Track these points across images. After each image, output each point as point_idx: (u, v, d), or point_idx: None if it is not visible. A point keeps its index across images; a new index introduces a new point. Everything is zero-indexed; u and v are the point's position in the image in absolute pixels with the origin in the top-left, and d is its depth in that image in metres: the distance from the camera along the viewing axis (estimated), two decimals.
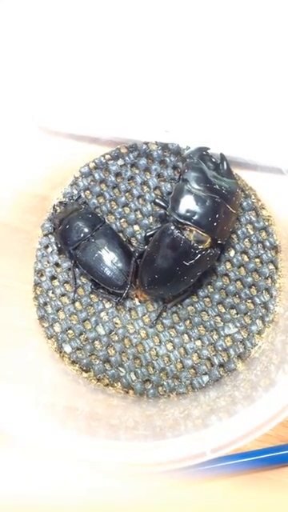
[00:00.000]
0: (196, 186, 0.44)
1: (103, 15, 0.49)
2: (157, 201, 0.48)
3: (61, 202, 0.53)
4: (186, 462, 0.35)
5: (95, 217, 0.50)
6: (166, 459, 0.35)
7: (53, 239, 0.52)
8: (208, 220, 0.43)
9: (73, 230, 0.49)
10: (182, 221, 0.44)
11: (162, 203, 0.48)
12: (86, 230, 0.49)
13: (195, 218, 0.43)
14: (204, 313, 0.49)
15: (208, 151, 0.47)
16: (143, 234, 0.50)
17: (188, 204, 0.43)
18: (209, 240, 0.44)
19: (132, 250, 0.50)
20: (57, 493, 0.33)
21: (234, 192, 0.45)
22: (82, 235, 0.49)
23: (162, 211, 0.50)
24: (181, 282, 0.46)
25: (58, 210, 0.52)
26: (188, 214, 0.43)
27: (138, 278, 0.48)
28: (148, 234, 0.48)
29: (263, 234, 0.50)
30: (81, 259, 0.48)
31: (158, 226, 0.50)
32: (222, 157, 0.47)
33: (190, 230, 0.44)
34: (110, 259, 0.48)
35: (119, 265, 0.48)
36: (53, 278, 0.51)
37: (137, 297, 0.49)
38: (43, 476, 0.33)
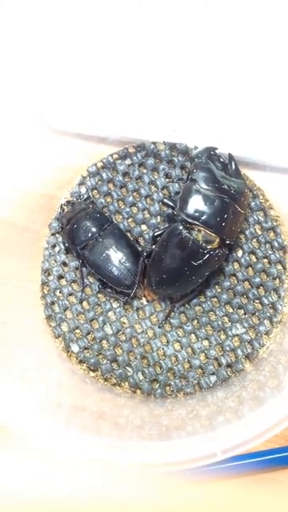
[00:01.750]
0: (204, 186, 0.43)
1: (110, 16, 0.49)
2: (165, 200, 0.48)
3: (68, 202, 0.53)
4: (193, 464, 0.34)
5: (103, 216, 0.50)
6: (174, 459, 0.35)
7: (60, 238, 0.52)
8: (216, 220, 0.43)
9: (80, 229, 0.49)
10: (190, 221, 0.43)
11: (170, 203, 0.48)
12: (94, 229, 0.49)
13: (204, 217, 0.43)
14: (212, 313, 0.49)
15: (216, 151, 0.47)
16: (151, 234, 0.50)
17: (196, 204, 0.43)
18: (217, 240, 0.44)
19: (140, 249, 0.50)
20: (61, 491, 0.33)
21: (242, 192, 0.45)
22: (90, 235, 0.49)
23: (170, 211, 0.50)
24: (189, 281, 0.46)
25: (66, 210, 0.52)
26: (196, 214, 0.43)
27: (146, 278, 0.48)
28: (156, 233, 0.48)
29: (271, 234, 0.50)
30: (88, 259, 0.48)
31: (166, 225, 0.50)
32: (231, 157, 0.47)
33: (199, 230, 0.44)
34: (117, 259, 0.48)
35: (127, 264, 0.48)
36: (60, 277, 0.51)
37: (144, 296, 0.49)
38: (48, 474, 0.33)
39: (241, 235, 0.50)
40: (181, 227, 0.44)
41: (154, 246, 0.48)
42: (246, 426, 0.35)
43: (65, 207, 0.52)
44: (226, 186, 0.44)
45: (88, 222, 0.49)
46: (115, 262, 0.48)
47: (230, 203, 0.44)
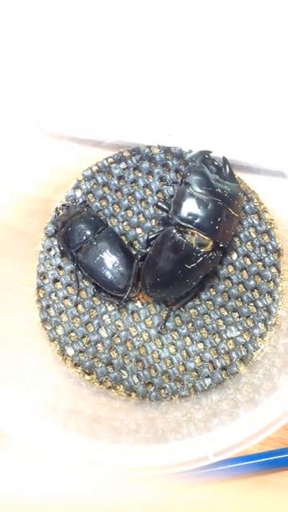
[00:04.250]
0: (198, 190, 0.44)
1: (105, 21, 0.49)
2: (159, 204, 0.48)
3: (64, 205, 0.53)
4: (188, 466, 0.35)
5: (98, 220, 0.50)
6: (168, 462, 0.35)
7: (55, 242, 0.52)
8: (210, 223, 0.43)
9: (75, 232, 0.49)
10: (184, 224, 0.44)
11: (165, 206, 0.48)
12: (88, 232, 0.49)
13: (197, 221, 0.43)
14: (206, 316, 0.49)
15: (210, 155, 0.47)
16: (145, 237, 0.51)
17: (190, 207, 0.43)
18: (211, 243, 0.44)
19: (134, 252, 0.50)
20: (57, 495, 0.33)
21: (236, 195, 0.45)
22: (84, 238, 0.49)
23: (165, 214, 0.50)
24: (183, 284, 0.46)
25: (61, 213, 0.52)
26: (190, 218, 0.43)
27: (141, 281, 0.48)
28: (150, 237, 0.48)
29: (265, 237, 0.50)
30: (82, 262, 0.49)
31: (161, 229, 0.50)
32: (225, 160, 0.47)
33: (192, 234, 0.44)
34: (111, 262, 0.48)
35: (120, 268, 0.48)
36: (55, 280, 0.51)
37: (139, 299, 0.49)
38: (44, 478, 0.33)
39: (235, 238, 0.50)
40: (174, 230, 0.44)
41: (148, 249, 0.48)
42: (241, 428, 0.35)
43: (60, 210, 0.52)
44: (219, 190, 0.44)
45: (82, 225, 0.49)
46: (109, 266, 0.48)
47: (223, 207, 0.44)
